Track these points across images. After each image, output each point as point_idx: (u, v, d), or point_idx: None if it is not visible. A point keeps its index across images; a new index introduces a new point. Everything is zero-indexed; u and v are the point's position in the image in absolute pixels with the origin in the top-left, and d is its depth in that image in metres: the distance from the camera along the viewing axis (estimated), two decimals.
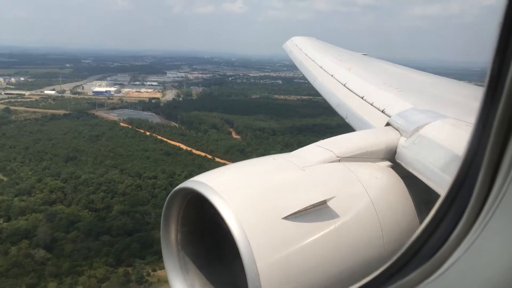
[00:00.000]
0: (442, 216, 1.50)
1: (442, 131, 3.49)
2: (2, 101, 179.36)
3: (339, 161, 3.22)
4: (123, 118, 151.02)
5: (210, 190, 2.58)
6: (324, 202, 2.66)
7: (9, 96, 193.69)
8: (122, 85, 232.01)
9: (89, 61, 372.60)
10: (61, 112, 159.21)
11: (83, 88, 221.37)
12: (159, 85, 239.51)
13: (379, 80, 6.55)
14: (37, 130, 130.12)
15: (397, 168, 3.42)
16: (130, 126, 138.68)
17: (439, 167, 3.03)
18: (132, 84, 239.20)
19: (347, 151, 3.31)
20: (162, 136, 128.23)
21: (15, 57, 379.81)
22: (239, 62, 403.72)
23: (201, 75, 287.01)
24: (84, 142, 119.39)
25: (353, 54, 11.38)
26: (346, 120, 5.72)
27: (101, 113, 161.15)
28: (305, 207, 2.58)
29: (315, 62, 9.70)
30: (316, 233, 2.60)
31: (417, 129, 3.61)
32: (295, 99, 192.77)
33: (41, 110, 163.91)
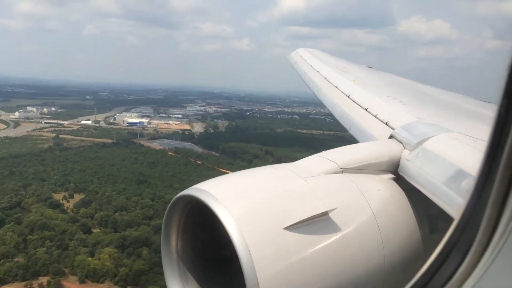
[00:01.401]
0: (447, 254, 1.48)
1: (445, 145, 3.46)
2: (47, 130, 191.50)
3: (341, 172, 3.20)
4: (167, 148, 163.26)
5: (212, 198, 2.55)
6: (325, 213, 2.64)
7: (50, 125, 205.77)
8: (149, 117, 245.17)
9: (106, 93, 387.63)
10: (106, 140, 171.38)
11: (114, 119, 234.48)
12: (183, 118, 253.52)
13: (383, 92, 6.53)
14: (95, 157, 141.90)
15: (400, 181, 3.40)
16: (178, 155, 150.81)
17: (442, 181, 2.99)
18: (159, 116, 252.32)
19: (350, 162, 3.30)
20: (211, 164, 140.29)
21: (34, 88, 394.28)
22: (249, 97, 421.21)
23: (219, 109, 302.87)
24: (144, 168, 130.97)
25: (358, 66, 11.34)
26: (350, 132, 5.77)
27: (144, 142, 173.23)
28: (307, 218, 2.56)
29: (320, 73, 9.67)
30: (317, 244, 2.58)
31: (421, 142, 3.60)
32: (318, 133, 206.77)
33: (87, 138, 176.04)
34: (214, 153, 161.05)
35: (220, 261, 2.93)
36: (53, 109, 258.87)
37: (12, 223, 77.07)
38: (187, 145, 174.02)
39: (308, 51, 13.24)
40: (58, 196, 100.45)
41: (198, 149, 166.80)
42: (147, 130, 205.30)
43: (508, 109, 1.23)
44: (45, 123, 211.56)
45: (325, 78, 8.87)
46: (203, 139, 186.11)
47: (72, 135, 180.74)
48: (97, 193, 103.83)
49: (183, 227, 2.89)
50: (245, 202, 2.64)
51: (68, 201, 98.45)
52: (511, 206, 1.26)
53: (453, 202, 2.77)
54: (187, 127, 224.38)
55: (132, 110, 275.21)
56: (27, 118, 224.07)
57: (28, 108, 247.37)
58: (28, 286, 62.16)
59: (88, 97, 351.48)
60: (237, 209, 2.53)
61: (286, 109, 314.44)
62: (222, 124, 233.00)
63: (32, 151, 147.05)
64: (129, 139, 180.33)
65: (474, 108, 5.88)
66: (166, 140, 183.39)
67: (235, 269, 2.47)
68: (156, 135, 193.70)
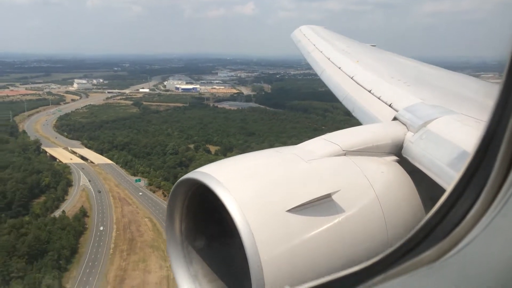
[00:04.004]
0: (460, 193, 1.47)
1: (450, 126, 3.46)
2: (118, 98, 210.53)
3: (345, 155, 3.21)
4: (240, 107, 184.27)
5: (215, 181, 2.57)
6: (328, 196, 2.65)
7: (113, 94, 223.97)
8: (191, 83, 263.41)
9: (128, 65, 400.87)
10: (179, 104, 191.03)
11: (165, 86, 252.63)
12: (224, 83, 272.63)
13: (386, 73, 6.54)
14: (188, 117, 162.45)
15: (404, 163, 3.40)
16: (254, 113, 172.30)
17: (446, 163, 3.02)
18: (201, 83, 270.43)
19: (353, 145, 3.30)
20: (290, 120, 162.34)
21: (59, 62, 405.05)
22: (264, 62, 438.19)
23: (249, 74, 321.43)
24: (237, 123, 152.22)
25: (361, 45, 11.21)
26: (353, 114, 5.77)
27: (215, 104, 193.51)
28: (310, 200, 2.57)
29: (323, 54, 9.61)
30: (320, 226, 2.60)
31: (425, 124, 3.60)
32: None
33: (161, 103, 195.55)
34: (281, 110, 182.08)
35: (224, 243, 2.99)
36: (101, 80, 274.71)
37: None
38: (254, 105, 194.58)
39: (311, 29, 13.07)
40: (191, 146, 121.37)
41: (266, 108, 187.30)
42: (203, 94, 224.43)
43: None
44: (108, 92, 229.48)
45: (329, 59, 8.89)
46: (263, 100, 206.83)
47: (145, 102, 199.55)
48: (221, 143, 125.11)
49: (187, 210, 2.94)
50: (248, 185, 2.65)
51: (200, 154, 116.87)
52: None
53: None
54: (235, 90, 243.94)
55: (170, 78, 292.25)
56: (86, 89, 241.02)
57: (76, 80, 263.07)
58: None
59: (116, 68, 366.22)
60: (240, 192, 2.53)
61: (310, 71, 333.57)
62: (267, 86, 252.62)
63: (125, 115, 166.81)
64: (198, 102, 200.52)
65: (478, 89, 5.78)
66: (231, 102, 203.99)
67: (238, 251, 2.49)
68: (217, 98, 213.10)
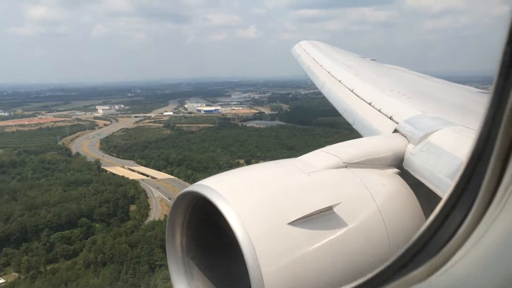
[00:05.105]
0: (450, 209, 1.47)
1: (450, 138, 3.47)
2: (147, 121, 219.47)
3: (345, 167, 3.20)
4: (267, 126, 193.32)
5: (216, 194, 2.56)
6: (330, 208, 2.63)
7: (140, 118, 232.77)
8: (210, 105, 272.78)
9: (139, 90, 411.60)
10: (209, 125, 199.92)
11: (186, 109, 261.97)
12: (240, 104, 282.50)
13: (387, 86, 6.50)
14: (222, 136, 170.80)
15: (405, 175, 3.40)
16: (282, 130, 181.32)
17: (447, 175, 2.99)
18: (218, 104, 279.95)
19: (354, 157, 3.30)
20: (322, 135, 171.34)
21: (73, 91, 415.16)
22: (271, 83, 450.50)
23: (261, 95, 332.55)
24: (272, 140, 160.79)
25: (361, 59, 11.37)
26: (353, 126, 5.78)
27: (243, 124, 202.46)
28: (311, 213, 2.55)
29: (323, 67, 9.65)
30: (321, 239, 2.58)
31: (425, 136, 3.60)
32: None
33: (191, 124, 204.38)
34: (308, 127, 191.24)
35: (225, 257, 2.95)
36: (122, 106, 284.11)
37: None
38: (278, 123, 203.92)
39: (311, 44, 13.16)
40: (241, 161, 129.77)
41: (295, 125, 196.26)
42: (225, 115, 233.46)
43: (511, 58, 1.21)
44: (134, 116, 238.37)
45: (329, 72, 8.88)
46: (287, 118, 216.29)
47: (175, 124, 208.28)
48: (273, 156, 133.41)
49: (188, 224, 2.91)
50: (248, 197, 2.64)
51: None
52: None
53: None
54: (254, 110, 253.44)
55: (186, 101, 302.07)
56: (111, 114, 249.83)
57: (98, 106, 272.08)
58: None
59: (129, 94, 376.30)
60: (241, 204, 2.53)
61: (317, 90, 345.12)
62: (284, 106, 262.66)
63: (162, 136, 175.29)
64: (225, 122, 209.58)
65: (478, 101, 5.78)
66: (257, 121, 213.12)
67: (240, 264, 2.46)
68: (241, 118, 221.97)
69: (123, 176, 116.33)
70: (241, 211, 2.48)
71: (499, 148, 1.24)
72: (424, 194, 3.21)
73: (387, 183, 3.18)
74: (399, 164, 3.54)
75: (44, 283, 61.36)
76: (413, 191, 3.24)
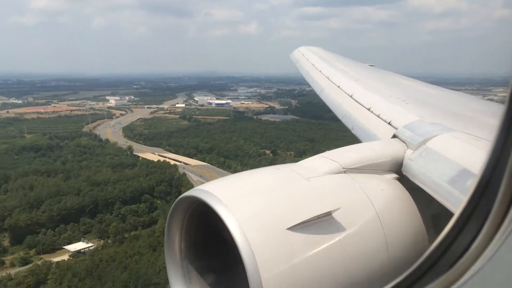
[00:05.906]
0: (463, 224, 1.44)
1: (449, 144, 3.47)
2: (162, 112, 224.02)
3: (344, 172, 3.20)
4: (282, 120, 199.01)
5: (215, 199, 2.57)
6: (329, 214, 2.64)
7: (153, 109, 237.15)
8: (219, 99, 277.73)
9: (143, 83, 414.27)
10: (224, 117, 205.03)
11: (197, 102, 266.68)
12: (248, 98, 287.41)
13: (385, 91, 6.55)
14: (240, 128, 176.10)
15: (404, 180, 3.40)
16: (298, 124, 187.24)
17: (446, 180, 2.99)
18: (228, 98, 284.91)
19: (353, 162, 3.31)
20: (339, 130, 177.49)
21: (78, 81, 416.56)
22: (274, 79, 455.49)
23: (268, 90, 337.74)
24: (290, 132, 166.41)
25: (359, 65, 11.43)
26: (352, 132, 5.76)
27: (258, 117, 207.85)
28: (310, 218, 2.56)
29: (322, 73, 9.69)
30: (321, 244, 2.58)
31: (424, 142, 3.61)
32: None
33: (206, 116, 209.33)
34: (321, 121, 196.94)
35: (223, 262, 2.93)
36: (132, 97, 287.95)
37: None
38: (290, 117, 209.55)
39: (310, 50, 13.26)
40: (267, 151, 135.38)
41: (306, 119, 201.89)
42: (237, 109, 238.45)
43: None
44: (147, 107, 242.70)
45: (327, 78, 8.93)
46: (298, 113, 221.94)
47: (190, 115, 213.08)
48: (296, 148, 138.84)
49: (186, 228, 2.91)
50: (248, 202, 2.65)
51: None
52: None
53: (457, 201, 2.74)
54: (264, 105, 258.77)
55: (193, 94, 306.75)
56: (122, 105, 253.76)
57: (109, 97, 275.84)
58: None
59: (135, 86, 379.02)
60: (240, 209, 2.53)
61: None
62: (293, 101, 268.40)
63: (182, 127, 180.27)
64: (240, 115, 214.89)
65: (477, 107, 5.77)
66: (271, 115, 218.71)
67: (239, 270, 2.46)
68: (253, 112, 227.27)
69: (164, 161, 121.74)
70: (240, 216, 2.48)
71: None
72: (423, 199, 3.25)
73: (386, 189, 3.20)
74: (398, 169, 3.55)
75: (129, 247, 68.47)
76: (412, 196, 3.27)
